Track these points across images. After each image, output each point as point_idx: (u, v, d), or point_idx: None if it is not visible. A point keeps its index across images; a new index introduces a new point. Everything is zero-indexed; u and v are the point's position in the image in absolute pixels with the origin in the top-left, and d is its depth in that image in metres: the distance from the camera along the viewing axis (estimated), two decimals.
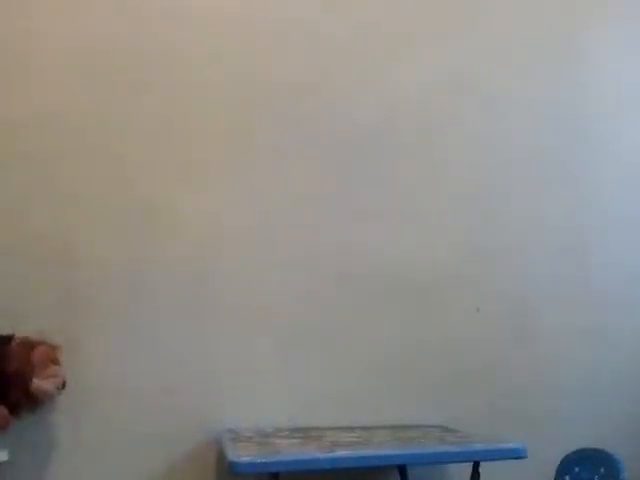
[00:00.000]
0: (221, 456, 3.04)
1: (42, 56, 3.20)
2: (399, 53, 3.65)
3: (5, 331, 2.86)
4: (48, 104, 3.15)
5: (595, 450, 3.30)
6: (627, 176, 3.95)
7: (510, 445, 3.00)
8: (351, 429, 3.31)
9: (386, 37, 3.63)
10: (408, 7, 3.70)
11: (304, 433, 3.20)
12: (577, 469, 3.34)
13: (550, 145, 3.85)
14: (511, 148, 3.79)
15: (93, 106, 3.19)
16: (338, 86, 3.56)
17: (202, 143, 3.30)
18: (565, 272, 3.79)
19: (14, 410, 2.83)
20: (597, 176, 3.91)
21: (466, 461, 3.07)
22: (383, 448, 3.02)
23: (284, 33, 3.50)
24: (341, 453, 2.82)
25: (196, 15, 3.39)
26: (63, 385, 2.96)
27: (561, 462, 3.39)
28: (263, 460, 2.72)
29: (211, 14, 3.41)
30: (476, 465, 3.03)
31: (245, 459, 2.68)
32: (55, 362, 2.93)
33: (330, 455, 2.80)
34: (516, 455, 2.97)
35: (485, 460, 3.02)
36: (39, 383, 2.85)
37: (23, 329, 2.91)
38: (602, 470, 3.23)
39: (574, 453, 3.37)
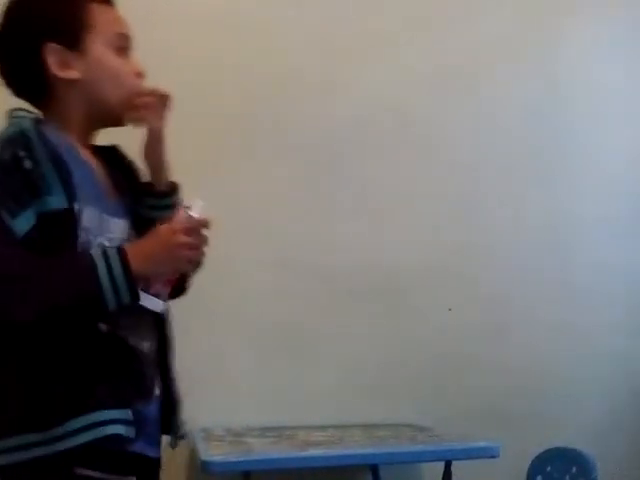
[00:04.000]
0: (193, 455, 3.02)
1: None
2: (375, 50, 3.63)
3: None
4: None
5: (567, 449, 3.32)
6: (607, 177, 3.96)
7: (482, 444, 3.00)
8: (323, 428, 3.30)
9: (362, 33, 3.61)
10: (387, 2, 3.68)
11: (276, 432, 3.19)
12: (549, 468, 3.36)
13: (530, 145, 3.85)
14: (490, 147, 3.79)
15: None
16: (312, 83, 3.54)
17: (172, 144, 3.27)
18: (542, 271, 3.80)
19: None
20: (576, 176, 3.91)
21: (438, 460, 3.07)
22: (355, 447, 3.02)
23: (255, 29, 3.46)
24: (313, 452, 2.82)
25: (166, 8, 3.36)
26: None
27: (533, 461, 3.40)
28: (235, 459, 2.71)
29: (177, 7, 3.37)
30: (448, 464, 3.03)
31: (217, 458, 2.67)
32: None
33: (302, 454, 2.80)
34: (489, 454, 2.98)
35: (457, 459, 3.02)
36: None
37: None
38: (574, 469, 3.24)
39: (546, 452, 3.38)
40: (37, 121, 1.65)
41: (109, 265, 1.53)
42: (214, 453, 2.71)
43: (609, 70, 3.99)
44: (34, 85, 1.72)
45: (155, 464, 1.81)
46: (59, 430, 1.54)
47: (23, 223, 1.51)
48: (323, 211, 3.52)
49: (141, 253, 1.59)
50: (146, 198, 1.84)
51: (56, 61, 1.69)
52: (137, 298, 1.58)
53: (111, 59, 1.72)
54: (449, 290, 3.66)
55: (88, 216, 1.60)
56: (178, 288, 1.87)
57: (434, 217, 3.68)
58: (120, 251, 1.57)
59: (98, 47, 1.71)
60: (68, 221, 1.56)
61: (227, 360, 3.32)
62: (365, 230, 3.56)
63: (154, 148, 1.83)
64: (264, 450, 2.86)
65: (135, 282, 1.56)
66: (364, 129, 3.59)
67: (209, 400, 3.23)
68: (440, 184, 3.70)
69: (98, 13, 1.72)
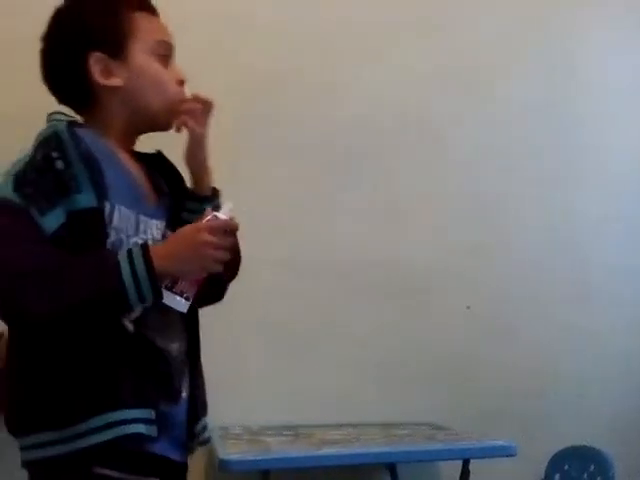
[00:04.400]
0: (211, 454, 3.02)
1: None
2: (384, 49, 3.62)
3: None
4: None
5: (585, 447, 3.31)
6: (621, 176, 3.95)
7: (500, 442, 3.00)
8: (340, 426, 3.30)
9: (370, 32, 3.60)
10: (390, 2, 3.67)
11: (293, 431, 3.19)
12: (567, 466, 3.35)
13: (546, 144, 3.84)
14: (503, 146, 3.78)
15: None
16: (320, 83, 3.52)
17: (176, 146, 3.27)
18: (554, 271, 3.78)
19: (2, 406, 2.81)
20: (591, 176, 3.90)
21: (456, 459, 3.06)
22: (373, 446, 3.02)
23: (262, 30, 3.44)
24: (331, 451, 2.82)
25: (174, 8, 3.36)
26: None
27: (551, 460, 3.39)
28: (253, 458, 2.71)
29: (185, 7, 3.36)
30: (466, 463, 3.03)
31: (235, 457, 2.67)
32: None
33: (320, 453, 2.80)
34: (506, 453, 2.97)
35: (475, 457, 3.01)
36: None
37: None
38: (592, 467, 3.24)
39: (564, 451, 3.38)
40: (72, 123, 1.68)
41: (132, 263, 1.54)
42: (231, 452, 2.71)
43: (616, 69, 3.98)
44: (78, 93, 1.78)
45: (181, 468, 1.82)
46: (80, 428, 1.56)
47: (52, 221, 1.54)
48: (336, 210, 3.51)
49: (165, 251, 1.61)
50: (187, 202, 1.87)
51: (99, 69, 1.74)
52: (160, 296, 1.58)
53: (153, 66, 1.75)
54: (464, 289, 3.65)
55: (120, 216, 1.62)
56: (213, 294, 1.89)
57: (447, 216, 3.67)
58: (144, 249, 1.58)
59: (140, 55, 1.74)
60: (97, 220, 1.58)
61: (244, 359, 3.32)
62: (383, 229, 3.55)
63: (196, 153, 1.87)
64: (281, 449, 2.86)
65: (158, 280, 1.56)
66: (378, 128, 3.58)
67: (226, 399, 3.22)
68: (453, 183, 3.69)
69: (141, 21, 1.76)
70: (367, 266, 3.51)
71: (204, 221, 1.65)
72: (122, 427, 1.57)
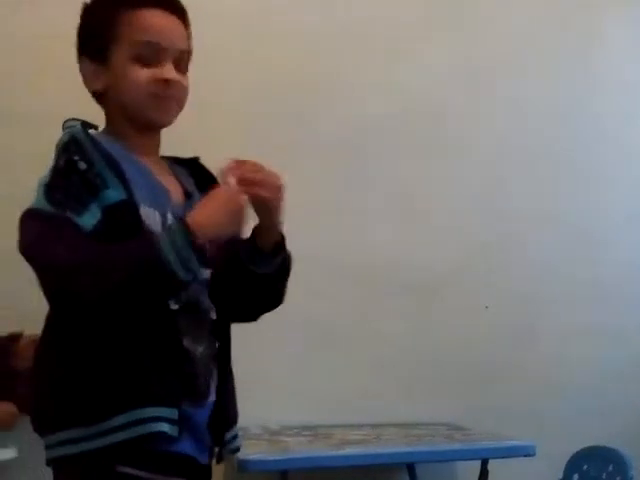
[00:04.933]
0: None
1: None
2: (407, 50, 3.63)
3: (14, 329, 2.86)
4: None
5: (604, 448, 3.31)
6: (638, 175, 3.94)
7: (519, 443, 3.00)
8: (359, 427, 3.31)
9: (394, 33, 3.61)
10: (413, 4, 3.68)
11: (312, 431, 3.20)
12: (586, 467, 3.35)
13: (562, 144, 3.84)
14: (521, 146, 3.78)
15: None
16: (342, 83, 3.54)
17: (202, 142, 3.29)
18: (574, 270, 3.78)
19: (22, 407, 2.83)
20: (609, 174, 3.90)
21: (475, 459, 3.07)
22: (392, 446, 3.02)
23: (288, 29, 3.46)
24: (350, 451, 2.83)
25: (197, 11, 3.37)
26: None
27: (570, 460, 3.39)
28: (272, 458, 2.72)
29: (212, 10, 3.38)
30: (485, 463, 3.03)
31: (254, 457, 2.68)
32: None
33: (339, 453, 2.81)
34: (525, 453, 2.98)
35: (494, 458, 3.02)
36: None
37: (32, 327, 2.90)
38: (610, 468, 3.23)
39: (583, 451, 3.37)
40: (86, 125, 1.70)
41: (170, 232, 1.57)
42: (251, 452, 2.71)
43: (635, 68, 3.98)
44: (93, 95, 1.80)
45: (206, 471, 1.82)
46: (105, 425, 1.57)
47: (90, 219, 1.57)
48: (356, 210, 3.52)
49: (203, 217, 1.61)
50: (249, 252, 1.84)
51: (87, 74, 1.76)
52: (205, 257, 1.58)
53: (129, 69, 1.73)
54: (482, 289, 3.66)
55: (144, 214, 1.63)
56: (272, 298, 1.89)
57: (466, 217, 3.67)
58: (180, 219, 1.60)
59: (119, 58, 1.73)
60: (131, 211, 1.61)
61: (263, 359, 3.32)
62: (404, 229, 3.56)
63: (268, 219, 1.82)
64: (301, 449, 2.87)
65: (196, 243, 1.56)
66: (395, 128, 3.59)
67: (245, 399, 3.23)
68: (472, 183, 3.70)
69: (128, 22, 1.74)
70: (385, 267, 3.52)
71: (229, 178, 1.66)
72: (146, 425, 1.58)
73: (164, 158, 1.88)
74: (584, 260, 3.81)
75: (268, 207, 1.75)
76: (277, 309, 3.23)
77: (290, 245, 3.36)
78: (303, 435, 3.11)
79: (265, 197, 1.70)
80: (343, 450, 2.83)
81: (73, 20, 1.83)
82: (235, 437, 1.90)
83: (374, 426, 3.33)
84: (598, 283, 3.81)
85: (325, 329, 3.42)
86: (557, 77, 3.85)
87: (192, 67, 1.92)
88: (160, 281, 1.56)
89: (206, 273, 1.74)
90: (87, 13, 1.79)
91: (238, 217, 1.65)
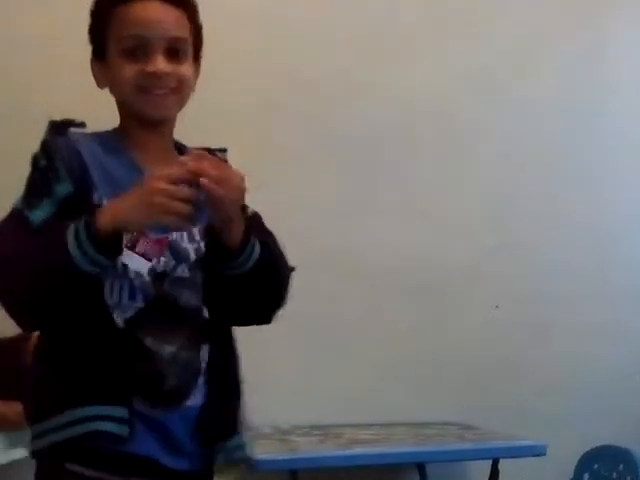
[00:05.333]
0: None
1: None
2: (416, 51, 3.63)
3: None
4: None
5: (614, 447, 3.31)
6: None
7: (529, 442, 3.00)
8: (369, 426, 3.31)
9: (403, 35, 3.61)
10: (426, 4, 3.68)
11: (322, 431, 3.21)
12: (596, 466, 3.35)
13: (573, 145, 3.83)
14: (530, 146, 3.77)
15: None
16: (353, 84, 3.54)
17: (213, 142, 3.29)
18: (584, 269, 3.78)
19: None
20: (618, 175, 3.89)
21: (485, 458, 3.07)
22: (402, 445, 3.02)
23: (299, 30, 3.47)
24: (360, 451, 2.84)
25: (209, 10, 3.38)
26: None
27: (580, 459, 3.39)
28: (283, 458, 2.73)
29: (224, 9, 3.38)
30: (495, 462, 3.03)
31: (265, 457, 2.68)
32: None
33: (349, 453, 2.81)
34: (535, 452, 2.98)
35: (504, 457, 3.02)
36: None
37: None
38: (621, 467, 3.24)
39: (593, 450, 3.37)
40: (66, 124, 1.71)
41: (77, 228, 1.54)
42: (261, 451, 2.72)
43: None
44: None
45: (190, 477, 1.74)
46: (53, 422, 1.58)
47: (40, 213, 1.60)
48: (368, 210, 3.52)
49: (115, 204, 1.57)
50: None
51: (95, 73, 1.77)
52: (113, 255, 1.55)
53: (119, 65, 1.73)
54: (493, 289, 3.66)
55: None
56: (264, 297, 1.87)
57: (477, 216, 3.67)
58: (92, 213, 1.56)
59: (112, 54, 1.74)
60: (81, 205, 1.60)
61: (274, 359, 3.33)
62: (412, 229, 3.56)
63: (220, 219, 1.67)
64: (311, 449, 2.88)
65: (99, 237, 1.52)
66: (409, 129, 3.59)
67: (256, 398, 3.24)
68: (485, 183, 3.70)
69: (117, 18, 1.73)
70: (397, 267, 3.52)
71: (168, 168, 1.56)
72: (85, 424, 1.57)
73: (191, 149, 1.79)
74: (595, 259, 3.80)
75: (222, 205, 1.60)
76: (288, 309, 3.24)
77: (304, 245, 3.37)
78: (313, 435, 3.12)
79: (215, 194, 1.56)
80: (353, 450, 2.84)
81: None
82: (240, 447, 1.82)
83: (384, 425, 3.33)
84: (609, 282, 3.80)
85: (336, 329, 3.43)
86: (569, 78, 3.84)
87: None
88: (63, 271, 1.55)
89: (184, 271, 1.70)
90: (90, 12, 1.80)
91: (150, 210, 1.53)
